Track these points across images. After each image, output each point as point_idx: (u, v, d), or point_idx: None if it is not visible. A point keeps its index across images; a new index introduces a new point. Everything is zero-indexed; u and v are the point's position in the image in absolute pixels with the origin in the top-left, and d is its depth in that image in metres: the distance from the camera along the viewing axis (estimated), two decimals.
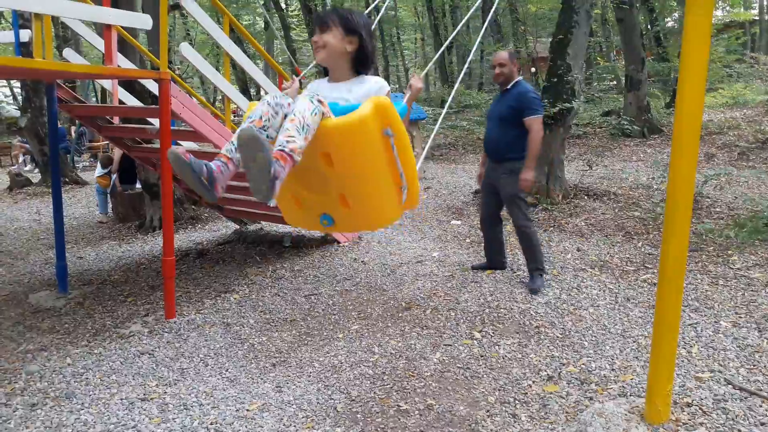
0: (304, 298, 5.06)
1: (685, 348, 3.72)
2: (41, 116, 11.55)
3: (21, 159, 17.14)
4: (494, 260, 5.42)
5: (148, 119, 6.19)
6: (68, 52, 5.84)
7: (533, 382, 3.46)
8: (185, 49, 4.99)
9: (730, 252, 5.46)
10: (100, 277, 6.06)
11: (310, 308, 4.81)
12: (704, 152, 10.29)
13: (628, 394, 3.23)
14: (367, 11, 3.48)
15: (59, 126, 9.90)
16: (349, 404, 3.32)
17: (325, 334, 4.31)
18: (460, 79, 4.89)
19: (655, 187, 8.17)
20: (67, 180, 12.65)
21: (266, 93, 5.94)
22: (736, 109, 15.19)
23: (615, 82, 21.35)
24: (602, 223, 6.78)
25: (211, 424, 3.16)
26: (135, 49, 6.39)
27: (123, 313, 4.93)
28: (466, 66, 4.85)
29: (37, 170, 13.65)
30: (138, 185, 8.72)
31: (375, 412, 3.23)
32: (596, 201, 7.65)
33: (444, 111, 4.29)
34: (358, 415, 3.20)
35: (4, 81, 25.22)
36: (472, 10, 3.65)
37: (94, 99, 14.46)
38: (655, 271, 5.07)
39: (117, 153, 8.82)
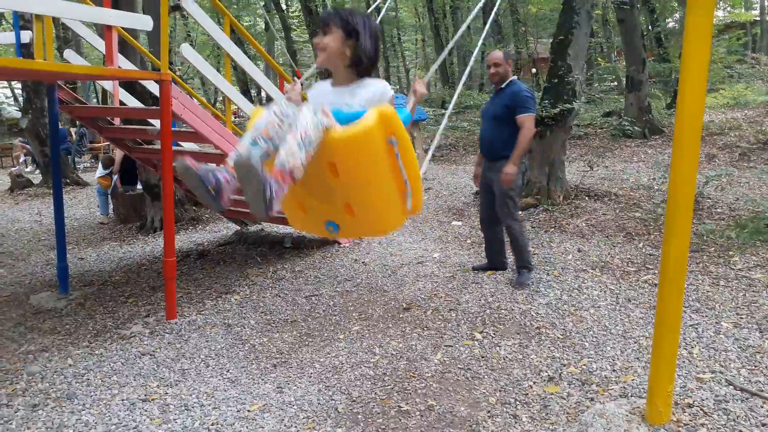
0: (304, 299, 5.06)
1: (686, 349, 3.72)
2: (42, 117, 11.57)
3: (22, 159, 17.16)
4: (495, 261, 5.42)
5: (149, 120, 6.19)
6: (69, 53, 5.85)
7: (534, 382, 3.46)
8: (186, 50, 4.99)
9: (731, 253, 5.45)
10: (101, 278, 6.07)
11: (311, 309, 4.81)
12: (705, 153, 10.28)
13: (629, 394, 3.23)
14: (369, 11, 3.47)
15: (60, 127, 9.92)
16: (350, 405, 3.32)
17: (325, 334, 4.31)
18: (463, 81, 4.86)
19: (656, 187, 8.16)
20: (68, 181, 12.67)
21: (267, 94, 5.94)
22: (737, 109, 15.18)
23: (616, 83, 21.34)
24: (603, 223, 6.78)
25: (212, 424, 3.17)
26: (136, 50, 6.39)
27: (124, 314, 4.93)
28: (468, 68, 4.83)
29: (38, 171, 13.66)
30: (139, 186, 8.73)
31: (376, 412, 3.23)
32: (597, 202, 7.64)
33: (448, 112, 4.25)
34: (359, 416, 3.20)
35: (5, 82, 25.25)
36: (474, 11, 3.61)
37: (95, 100, 14.46)
38: (656, 271, 5.07)
39: (118, 154, 8.83)
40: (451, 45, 4.21)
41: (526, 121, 4.76)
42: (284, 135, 1.95)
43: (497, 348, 3.93)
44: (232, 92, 5.45)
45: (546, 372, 3.57)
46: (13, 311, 5.15)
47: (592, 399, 3.23)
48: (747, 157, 10.02)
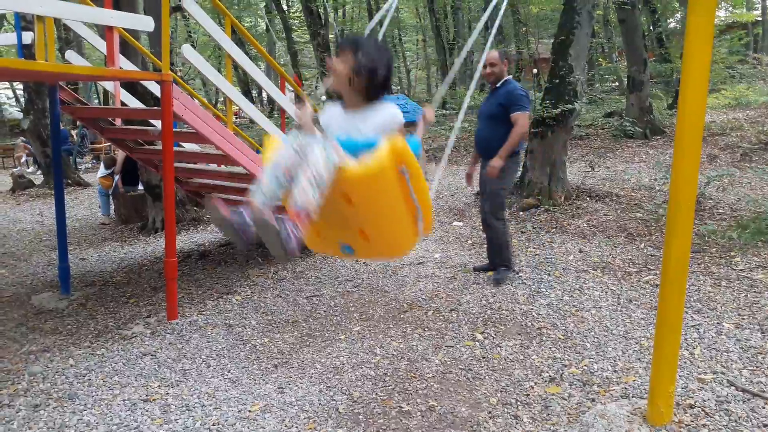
0: (305, 299, 5.06)
1: (687, 349, 3.71)
2: (44, 118, 11.58)
3: (23, 159, 17.17)
4: (496, 261, 5.41)
5: (150, 121, 6.20)
6: (70, 54, 5.85)
7: (535, 383, 3.46)
8: (187, 50, 4.99)
9: (732, 253, 5.45)
10: (102, 278, 6.07)
11: (312, 309, 4.81)
12: (707, 153, 10.26)
13: (631, 395, 3.23)
14: (375, 19, 3.40)
15: (62, 128, 9.92)
16: (350, 405, 3.32)
17: (326, 335, 4.31)
18: (474, 83, 4.75)
19: (657, 188, 8.15)
20: (69, 182, 12.67)
21: (268, 95, 5.93)
22: (738, 110, 15.17)
23: (617, 83, 21.34)
24: (604, 224, 6.77)
25: (213, 425, 3.17)
26: (137, 50, 6.39)
27: (125, 315, 4.93)
28: (478, 73, 4.75)
29: (39, 172, 13.67)
30: (140, 187, 8.73)
31: (377, 413, 3.23)
32: (598, 202, 7.64)
33: (461, 116, 4.07)
34: (360, 416, 3.20)
35: (7, 83, 25.28)
36: (482, 21, 3.53)
37: (96, 101, 14.47)
38: (658, 272, 5.07)
39: (120, 154, 8.83)
40: (456, 67, 4.02)
41: (520, 119, 4.83)
42: (299, 173, 2.01)
43: (498, 348, 3.93)
44: (233, 93, 5.44)
45: (547, 372, 3.57)
46: (15, 311, 5.16)
47: (593, 400, 3.23)
48: (748, 157, 10.01)
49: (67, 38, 15.05)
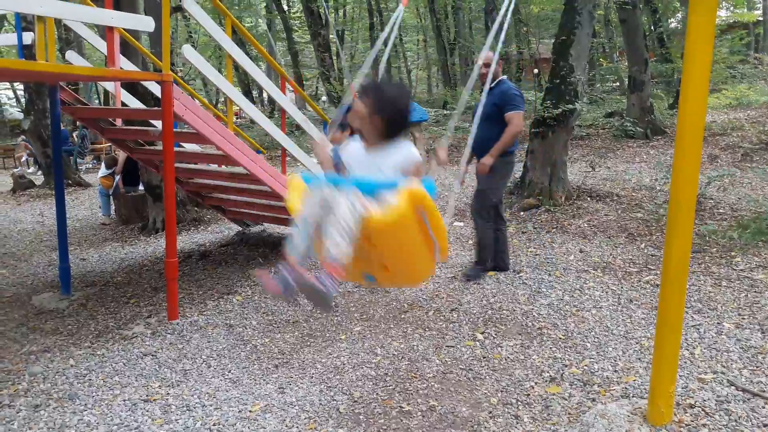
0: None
1: (687, 349, 3.71)
2: (44, 118, 11.58)
3: (24, 159, 17.17)
4: (497, 261, 5.41)
5: (151, 121, 6.20)
6: (71, 55, 5.85)
7: (536, 383, 3.46)
8: (187, 51, 4.99)
9: (733, 253, 5.45)
10: (103, 278, 6.07)
11: (313, 310, 4.81)
12: (707, 153, 10.26)
13: (631, 395, 3.23)
14: (385, 32, 3.36)
15: (62, 128, 9.92)
16: (351, 405, 3.32)
17: (327, 335, 4.31)
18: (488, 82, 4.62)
19: (658, 188, 8.15)
20: (70, 182, 12.67)
21: (269, 95, 5.92)
22: (739, 110, 15.16)
23: (618, 84, 21.31)
24: (605, 224, 6.77)
25: (214, 425, 3.17)
26: (137, 51, 6.39)
27: (126, 315, 4.93)
28: (491, 73, 4.67)
29: (40, 172, 13.67)
30: (141, 187, 8.74)
31: (377, 413, 3.23)
32: (599, 202, 7.64)
33: (476, 118, 3.90)
34: (361, 416, 3.20)
35: (8, 83, 25.29)
36: (494, 28, 3.48)
37: (97, 101, 14.48)
38: (658, 272, 5.06)
39: (122, 154, 8.83)
40: (476, 68, 3.92)
41: (514, 118, 4.90)
42: (327, 225, 2.17)
43: (499, 348, 3.93)
44: (234, 93, 5.44)
45: (548, 372, 3.57)
46: (16, 312, 5.16)
47: (593, 399, 3.22)
48: (749, 157, 10.01)
49: (68, 39, 15.04)
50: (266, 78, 5.95)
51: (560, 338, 4.03)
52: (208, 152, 6.26)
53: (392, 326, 4.39)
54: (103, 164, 9.82)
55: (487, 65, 5.02)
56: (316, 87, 30.80)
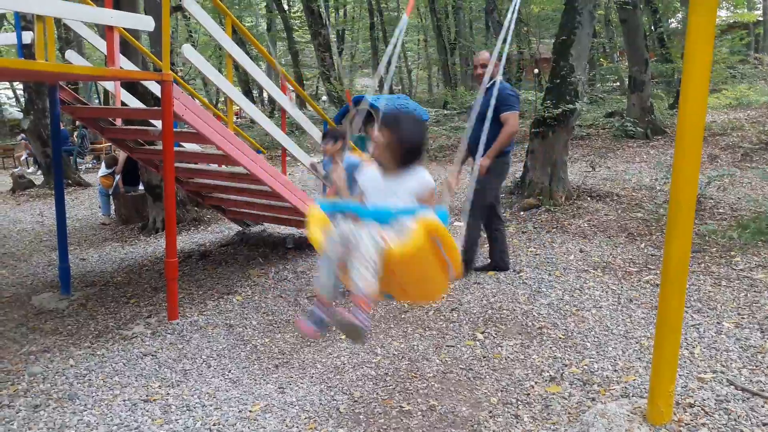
0: (306, 299, 5.06)
1: (687, 349, 3.71)
2: (44, 118, 11.58)
3: (24, 158, 17.16)
4: (496, 261, 5.41)
5: (151, 121, 6.20)
6: (70, 54, 5.86)
7: (536, 383, 3.46)
8: (187, 50, 4.99)
9: (733, 253, 5.45)
10: (102, 278, 6.07)
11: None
12: (707, 153, 10.26)
13: (631, 394, 3.23)
14: (393, 45, 3.37)
15: (62, 128, 9.92)
16: (351, 405, 3.32)
17: (327, 335, 4.30)
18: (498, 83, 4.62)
19: (658, 188, 8.15)
20: (69, 182, 12.67)
21: (269, 95, 5.91)
22: (739, 110, 15.15)
23: (618, 83, 21.31)
24: (605, 224, 6.77)
25: (214, 425, 3.17)
26: (137, 50, 6.39)
27: (126, 315, 4.93)
28: (488, 74, 4.67)
29: (39, 172, 13.67)
30: (141, 187, 8.74)
31: (377, 413, 3.23)
32: (599, 202, 7.64)
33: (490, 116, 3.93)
34: (361, 416, 3.20)
35: (7, 83, 25.29)
36: (502, 31, 3.47)
37: (96, 101, 14.47)
38: (658, 272, 5.06)
39: (122, 154, 8.83)
40: (490, 81, 3.94)
41: (509, 118, 4.89)
42: (352, 260, 2.29)
43: (499, 348, 3.93)
44: (234, 93, 5.44)
45: (548, 372, 3.57)
46: (15, 312, 5.16)
47: (593, 399, 3.22)
48: (749, 157, 10.01)
49: (68, 38, 15.04)
50: (266, 78, 5.95)
51: (560, 338, 4.03)
52: (208, 152, 6.26)
53: (392, 326, 4.39)
54: (103, 164, 9.82)
55: (483, 66, 5.03)
56: (317, 87, 30.79)
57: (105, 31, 4.49)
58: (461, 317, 4.46)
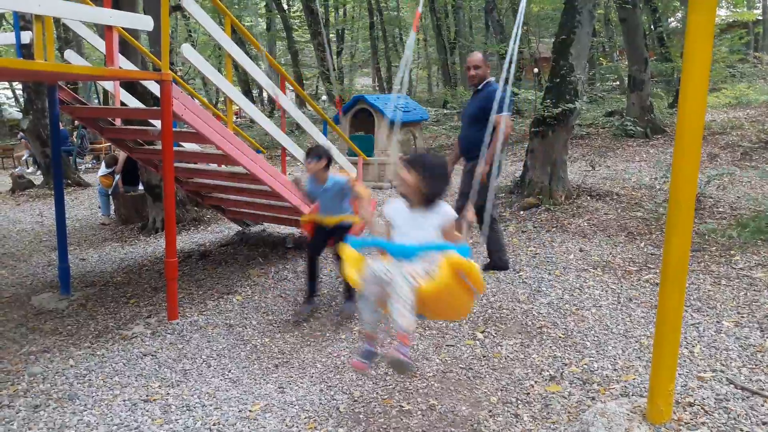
0: (305, 299, 5.05)
1: (687, 348, 3.71)
2: (43, 118, 11.57)
3: (25, 157, 17.14)
4: (495, 260, 5.41)
5: (150, 121, 6.20)
6: (70, 54, 5.85)
7: (535, 382, 3.46)
8: (187, 50, 4.98)
9: (732, 252, 5.45)
10: (102, 278, 6.07)
11: (313, 309, 4.81)
12: (707, 152, 10.26)
13: (630, 393, 3.23)
14: (403, 66, 3.48)
15: (61, 128, 9.92)
16: (351, 404, 3.32)
17: (327, 335, 4.31)
18: (510, 81, 4.58)
19: (657, 187, 8.15)
20: (69, 182, 12.67)
21: (269, 95, 5.90)
22: (739, 109, 15.15)
23: (618, 83, 21.29)
24: (605, 223, 6.77)
25: (214, 425, 3.17)
26: (136, 50, 6.39)
27: (126, 315, 4.93)
28: (512, 69, 4.56)
29: (39, 172, 13.66)
30: (140, 187, 8.73)
31: (377, 412, 3.23)
32: (599, 201, 7.64)
33: (503, 118, 3.94)
34: (361, 416, 3.20)
35: (6, 83, 25.29)
36: (518, 23, 3.46)
37: (96, 101, 14.47)
38: (658, 271, 5.06)
39: (122, 154, 8.83)
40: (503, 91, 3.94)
41: (501, 121, 4.75)
42: (390, 299, 2.56)
43: (499, 347, 3.93)
44: (234, 93, 5.44)
45: (547, 371, 3.57)
46: (15, 312, 5.16)
47: (593, 398, 3.23)
48: (749, 156, 10.01)
49: (67, 38, 15.04)
50: (266, 77, 5.94)
51: (560, 337, 4.03)
52: (208, 152, 6.25)
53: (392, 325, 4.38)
54: (103, 163, 9.82)
55: (476, 67, 5.01)
56: (316, 86, 30.78)
57: (104, 30, 4.49)
58: None
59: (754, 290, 4.57)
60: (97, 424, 3.22)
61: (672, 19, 20.22)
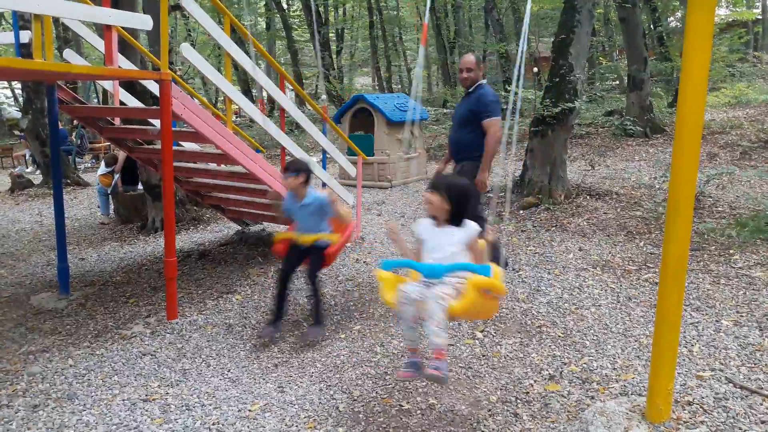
0: (306, 298, 5.05)
1: (686, 347, 3.71)
2: (42, 118, 11.56)
3: (27, 156, 17.13)
4: (494, 260, 5.40)
5: (150, 120, 6.19)
6: (69, 53, 5.84)
7: (535, 381, 3.46)
8: (186, 49, 4.98)
9: (731, 251, 5.45)
10: (101, 278, 6.07)
11: (312, 309, 4.80)
12: (706, 152, 10.27)
13: (630, 392, 3.23)
14: (416, 83, 3.43)
15: (60, 127, 9.91)
16: (351, 404, 3.32)
17: (327, 334, 4.30)
18: (520, 83, 4.51)
19: (657, 186, 8.16)
20: (68, 181, 12.66)
21: (269, 95, 5.91)
22: (738, 108, 15.16)
23: (617, 82, 21.31)
24: (604, 222, 6.77)
25: (213, 424, 3.17)
26: (136, 49, 6.39)
27: (125, 314, 4.93)
28: (520, 69, 4.49)
29: (38, 172, 13.66)
30: (140, 186, 8.73)
31: (377, 411, 3.23)
32: (598, 201, 7.64)
33: (515, 121, 3.95)
34: (360, 415, 3.20)
35: (5, 82, 25.28)
36: (525, 24, 3.46)
37: (95, 100, 14.46)
38: (657, 270, 5.07)
39: (121, 153, 8.82)
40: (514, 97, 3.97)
41: (491, 126, 4.72)
42: (425, 322, 2.83)
43: (498, 347, 3.93)
44: (233, 92, 5.44)
45: (547, 370, 3.57)
46: (14, 312, 5.16)
47: (592, 397, 3.23)
48: (748, 155, 10.01)
49: (66, 37, 15.05)
50: (265, 77, 5.94)
51: (559, 336, 4.03)
52: (207, 151, 6.25)
53: (392, 325, 4.39)
54: (102, 162, 9.81)
55: (469, 70, 4.98)
56: (316, 85, 30.77)
57: (103, 30, 4.49)
58: None
59: (753, 289, 4.58)
60: (97, 423, 3.22)
61: (671, 18, 20.24)
